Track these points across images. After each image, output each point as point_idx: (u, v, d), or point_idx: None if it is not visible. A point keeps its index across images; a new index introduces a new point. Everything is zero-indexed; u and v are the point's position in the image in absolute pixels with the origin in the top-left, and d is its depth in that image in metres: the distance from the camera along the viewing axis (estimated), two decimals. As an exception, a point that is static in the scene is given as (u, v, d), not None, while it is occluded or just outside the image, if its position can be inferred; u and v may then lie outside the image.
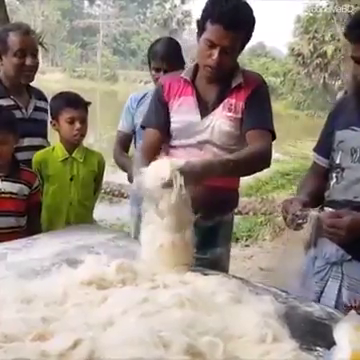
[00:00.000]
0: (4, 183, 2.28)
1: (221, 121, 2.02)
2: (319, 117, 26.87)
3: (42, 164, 2.44)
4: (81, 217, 2.44)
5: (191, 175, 1.65)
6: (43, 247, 1.90)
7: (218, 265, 2.05)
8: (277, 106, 33.85)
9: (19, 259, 1.75)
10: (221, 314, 1.35)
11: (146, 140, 2.15)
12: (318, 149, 1.97)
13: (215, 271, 1.76)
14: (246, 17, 1.92)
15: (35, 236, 2.08)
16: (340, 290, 1.75)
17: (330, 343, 1.26)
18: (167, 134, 2.12)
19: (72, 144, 2.46)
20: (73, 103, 2.42)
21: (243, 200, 7.76)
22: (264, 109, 2.04)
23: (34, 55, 2.50)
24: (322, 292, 1.79)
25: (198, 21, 1.96)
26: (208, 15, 1.91)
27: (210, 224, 2.08)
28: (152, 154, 1.93)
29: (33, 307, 1.34)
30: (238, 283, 1.59)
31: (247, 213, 7.12)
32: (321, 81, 31.32)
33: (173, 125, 2.10)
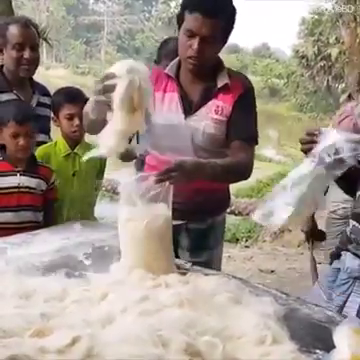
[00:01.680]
0: (22, 178, 2.30)
1: (207, 123, 1.96)
2: (322, 120, 26.90)
3: (44, 159, 2.43)
4: (83, 213, 2.44)
5: (182, 172, 1.64)
6: (43, 243, 1.90)
7: (212, 267, 2.03)
8: (280, 108, 33.90)
9: (19, 254, 1.74)
10: (220, 314, 1.34)
11: None
12: None
13: (213, 271, 1.76)
14: (224, 4, 1.87)
15: (35, 231, 2.08)
16: None
17: (329, 346, 1.25)
18: None
19: (73, 140, 2.45)
20: (72, 99, 2.41)
21: (244, 201, 7.78)
22: (250, 117, 2.01)
23: (33, 48, 2.50)
24: (343, 306, 1.77)
25: (177, 15, 1.92)
26: (186, 5, 1.87)
27: (203, 227, 2.07)
28: None
29: (32, 303, 1.34)
30: (238, 284, 1.58)
31: (247, 214, 7.13)
32: (325, 84, 31.24)
33: (155, 121, 1.99)
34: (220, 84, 1.96)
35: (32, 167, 2.35)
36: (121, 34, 64.78)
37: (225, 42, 1.95)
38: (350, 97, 3.86)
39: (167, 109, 1.99)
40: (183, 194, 1.84)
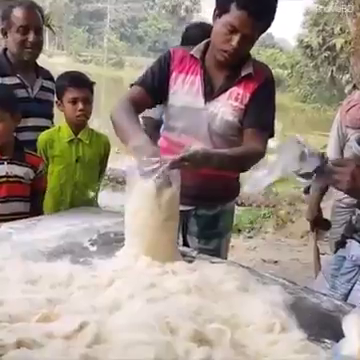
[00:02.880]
0: (10, 166, 2.18)
1: (225, 110, 1.95)
2: (325, 111, 26.79)
3: (48, 144, 2.40)
4: (86, 200, 2.42)
5: (194, 162, 1.63)
6: (48, 228, 1.87)
7: (219, 255, 2.03)
8: (283, 98, 33.72)
9: (24, 239, 1.72)
10: (228, 302, 1.34)
11: (131, 93, 2.00)
12: None
13: (220, 259, 1.75)
14: (271, 7, 1.86)
15: (39, 217, 2.06)
16: None
17: (338, 335, 1.24)
18: (154, 102, 2.04)
19: (77, 125, 2.42)
20: (76, 83, 2.37)
21: (247, 192, 7.74)
22: (269, 107, 1.99)
23: (37, 32, 2.46)
24: (348, 294, 1.77)
25: (219, 1, 1.88)
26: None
27: (212, 213, 2.06)
28: (135, 106, 1.91)
29: (38, 288, 1.32)
30: (245, 272, 1.58)
31: (250, 205, 7.11)
32: (329, 74, 31.14)
33: (173, 102, 2.01)
34: (244, 73, 1.95)
35: (19, 155, 2.24)
36: (124, 22, 64.54)
37: (258, 38, 1.95)
38: (355, 88, 3.83)
39: (187, 91, 1.98)
40: (193, 180, 1.83)
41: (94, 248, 1.71)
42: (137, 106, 1.94)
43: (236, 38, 1.83)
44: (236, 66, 1.96)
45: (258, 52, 48.31)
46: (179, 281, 1.38)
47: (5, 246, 1.62)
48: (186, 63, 2.00)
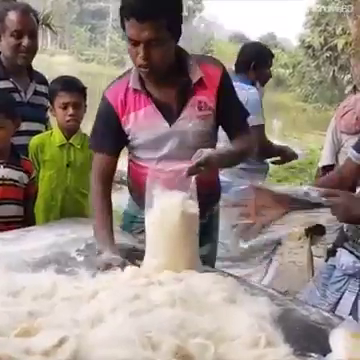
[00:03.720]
0: (6, 170, 2.21)
1: (194, 122, 1.86)
2: (327, 110, 26.73)
3: (39, 149, 2.38)
4: (77, 205, 2.40)
5: (209, 165, 1.66)
6: (36, 239, 1.86)
7: (211, 259, 2.05)
8: (285, 98, 33.72)
9: (10, 250, 1.71)
10: (214, 314, 1.31)
11: (98, 166, 1.91)
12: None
13: (209, 267, 1.75)
14: (159, 1, 1.68)
15: (29, 228, 2.04)
16: (356, 303, 1.71)
17: (325, 349, 1.22)
18: (117, 156, 1.94)
19: (68, 130, 2.40)
20: (67, 88, 2.34)
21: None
22: (237, 101, 1.98)
23: (32, 36, 2.42)
24: (337, 303, 1.75)
25: (121, 25, 1.77)
26: (122, 13, 1.71)
27: (203, 221, 2.03)
28: (107, 180, 1.89)
29: (20, 300, 1.31)
30: (233, 282, 1.55)
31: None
32: (330, 74, 31.11)
33: (137, 141, 1.89)
34: (195, 79, 1.83)
35: (15, 159, 2.26)
36: (126, 21, 64.37)
37: (178, 36, 1.78)
38: (355, 89, 3.82)
39: (148, 125, 1.86)
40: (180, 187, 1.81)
41: (81, 258, 1.69)
42: (109, 175, 1.92)
43: (141, 49, 1.69)
44: (181, 74, 1.84)
45: (260, 52, 48.34)
46: (164, 292, 1.36)
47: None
48: (130, 100, 1.86)
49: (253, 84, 3.18)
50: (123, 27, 1.73)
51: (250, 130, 2.01)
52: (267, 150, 3.02)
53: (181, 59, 1.85)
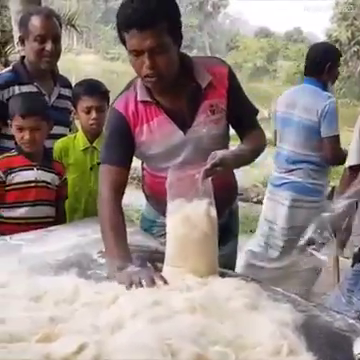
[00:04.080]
0: (39, 172, 2.27)
1: (208, 127, 1.84)
2: (354, 106, 26.27)
3: (63, 152, 2.41)
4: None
5: (225, 166, 1.66)
6: (59, 240, 1.87)
7: (232, 257, 2.05)
8: (311, 93, 33.21)
9: (33, 252, 1.72)
10: (235, 321, 1.29)
11: (111, 179, 1.82)
12: None
13: (230, 271, 1.74)
14: (157, 6, 1.62)
15: (52, 227, 2.06)
16: None
17: (349, 357, 1.19)
18: (129, 169, 1.89)
19: (91, 134, 2.41)
20: (90, 92, 2.37)
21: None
22: (245, 98, 1.97)
23: (55, 40, 2.44)
24: None
25: (120, 39, 1.72)
26: (119, 26, 1.68)
27: (223, 221, 2.01)
28: (120, 193, 1.81)
29: (42, 305, 1.32)
30: (256, 287, 1.53)
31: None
32: (358, 69, 30.62)
33: (151, 152, 1.87)
34: (205, 83, 1.81)
35: (47, 162, 2.33)
36: (151, 19, 64.49)
37: (179, 40, 1.74)
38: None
39: (161, 136, 1.83)
40: None
41: (103, 260, 1.69)
42: (120, 189, 1.83)
43: (145, 59, 1.64)
44: (188, 80, 1.81)
45: (286, 47, 47.84)
46: (185, 299, 1.34)
47: (13, 259, 1.61)
48: (141, 112, 1.83)
49: (325, 86, 3.17)
50: (122, 41, 1.69)
51: (259, 127, 2.00)
52: (341, 158, 2.99)
53: (186, 64, 1.82)
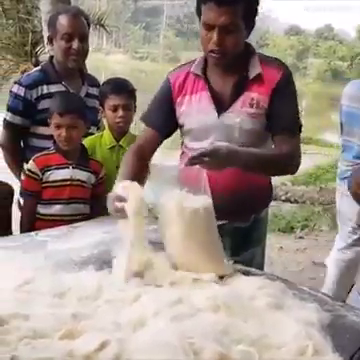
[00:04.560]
0: (74, 171, 2.31)
1: (242, 118, 1.83)
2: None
3: (90, 151, 2.41)
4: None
5: (215, 158, 1.57)
6: (84, 236, 1.88)
7: (253, 264, 1.93)
8: (342, 91, 32.73)
9: (59, 248, 1.73)
10: (259, 320, 1.27)
11: (138, 139, 2.00)
12: None
13: (254, 269, 1.69)
14: None
15: (77, 224, 2.06)
16: None
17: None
18: (166, 136, 1.98)
19: (118, 132, 2.41)
20: (117, 90, 2.37)
21: (300, 189, 7.57)
22: (292, 105, 1.87)
23: (82, 39, 2.44)
24: None
25: (196, 9, 1.80)
26: None
27: (246, 225, 1.97)
28: (143, 155, 1.90)
29: (65, 302, 1.32)
30: (281, 286, 1.50)
31: (304, 202, 6.91)
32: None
33: (186, 127, 1.93)
34: (252, 74, 1.83)
35: (84, 160, 2.36)
36: (180, 18, 64.62)
37: (251, 27, 1.81)
38: None
39: (197, 110, 1.89)
40: (223, 191, 1.77)
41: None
42: (146, 151, 1.94)
43: (214, 34, 1.72)
44: (241, 68, 1.84)
45: (317, 44, 47.24)
46: (207, 297, 1.33)
47: (39, 256, 1.62)
48: (188, 84, 1.91)
49: None
50: (198, 12, 1.78)
51: (293, 143, 1.85)
52: None
53: (246, 53, 1.87)
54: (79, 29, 2.45)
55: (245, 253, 1.96)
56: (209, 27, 1.73)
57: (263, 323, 1.26)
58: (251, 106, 1.83)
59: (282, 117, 1.83)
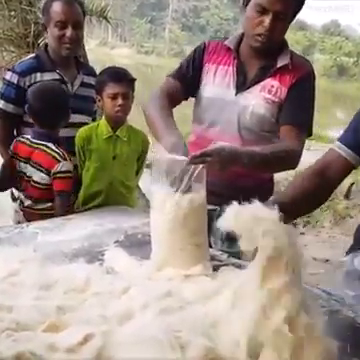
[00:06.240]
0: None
1: (257, 102, 1.86)
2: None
3: (86, 141, 2.36)
4: (122, 198, 2.37)
5: (218, 159, 1.53)
6: (75, 228, 1.85)
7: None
8: (348, 88, 32.63)
9: (50, 240, 1.70)
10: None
11: (166, 85, 2.00)
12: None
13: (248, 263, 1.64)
14: None
15: (70, 216, 2.04)
16: None
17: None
18: (187, 93, 2.01)
19: (116, 121, 2.36)
20: (116, 78, 2.31)
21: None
22: (307, 103, 1.87)
23: (76, 27, 2.40)
24: None
25: None
26: None
27: None
28: (171, 100, 1.90)
29: (52, 294, 1.28)
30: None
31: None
32: None
33: (203, 94, 1.98)
34: (280, 64, 1.87)
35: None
36: (186, 12, 64.34)
37: (292, 19, 1.87)
38: None
39: (219, 82, 1.94)
40: (219, 176, 1.71)
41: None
42: (170, 98, 1.92)
43: (267, 18, 1.75)
44: (272, 56, 1.87)
45: (323, 40, 46.97)
46: (197, 289, 1.30)
47: (28, 248, 1.59)
48: (220, 54, 1.96)
49: None
50: None
51: (299, 139, 1.82)
52: None
53: (280, 44, 1.90)
54: (73, 16, 2.41)
55: (236, 245, 1.91)
56: (263, 11, 1.75)
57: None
58: (269, 92, 1.87)
59: (293, 110, 1.84)
